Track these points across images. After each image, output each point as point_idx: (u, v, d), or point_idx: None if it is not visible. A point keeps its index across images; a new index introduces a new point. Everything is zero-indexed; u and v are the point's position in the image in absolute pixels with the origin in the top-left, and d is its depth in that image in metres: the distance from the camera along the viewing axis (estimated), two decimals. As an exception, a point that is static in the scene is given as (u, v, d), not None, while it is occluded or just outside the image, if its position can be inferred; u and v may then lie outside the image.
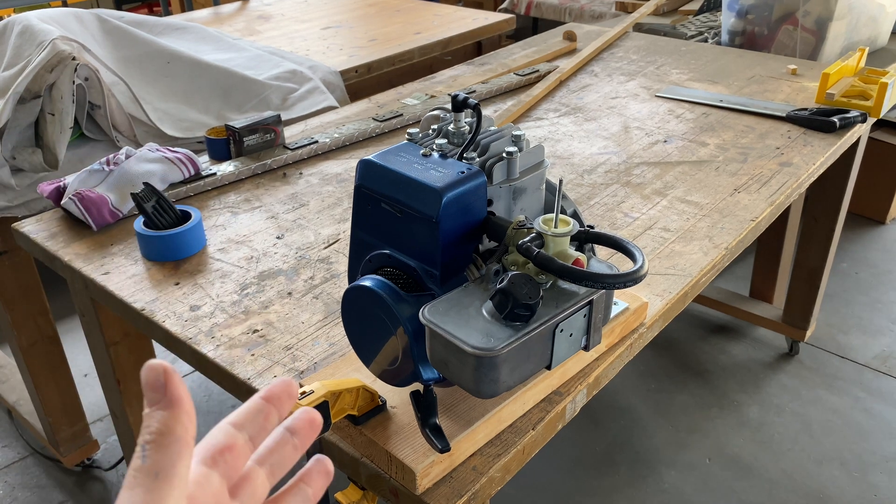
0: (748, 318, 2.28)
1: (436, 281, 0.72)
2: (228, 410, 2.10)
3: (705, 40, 2.32)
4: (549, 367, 0.68)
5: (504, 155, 0.74)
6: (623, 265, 0.90)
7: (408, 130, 0.79)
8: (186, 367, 2.22)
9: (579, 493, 1.81)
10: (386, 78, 2.20)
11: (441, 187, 0.69)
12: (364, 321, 0.76)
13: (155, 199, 1.18)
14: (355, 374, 0.88)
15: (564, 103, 1.75)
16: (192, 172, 1.37)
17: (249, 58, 2.00)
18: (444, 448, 0.73)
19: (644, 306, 1.00)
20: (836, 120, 1.55)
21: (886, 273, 2.61)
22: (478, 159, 0.74)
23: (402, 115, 1.65)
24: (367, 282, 0.74)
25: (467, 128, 0.78)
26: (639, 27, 2.39)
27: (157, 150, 1.35)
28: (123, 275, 1.14)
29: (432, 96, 1.77)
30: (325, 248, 1.20)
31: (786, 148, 1.49)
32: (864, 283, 2.56)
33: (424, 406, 0.75)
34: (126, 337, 1.34)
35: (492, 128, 0.79)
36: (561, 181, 0.66)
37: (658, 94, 1.78)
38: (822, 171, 1.47)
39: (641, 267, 0.65)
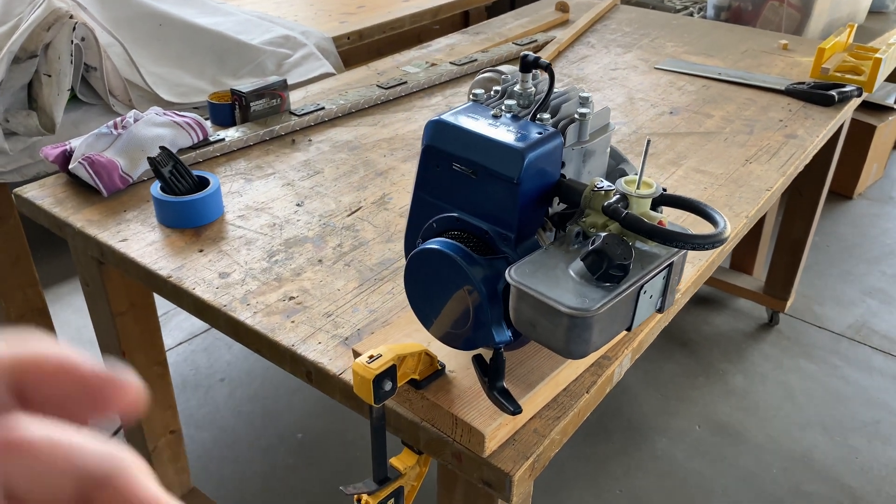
0: (730, 290, 2.34)
1: (510, 244, 0.72)
2: (217, 385, 2.07)
3: (691, 14, 2.34)
4: (629, 329, 0.68)
5: (576, 116, 0.73)
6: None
7: (473, 91, 0.77)
8: (171, 340, 2.17)
9: (574, 461, 1.84)
10: (375, 46, 2.16)
11: (523, 147, 0.68)
12: (431, 284, 0.75)
13: (172, 163, 1.14)
14: (406, 339, 0.87)
15: (566, 73, 1.75)
16: (201, 137, 1.33)
17: (238, 22, 1.94)
18: (516, 410, 0.73)
19: (680, 272, 1.01)
20: (834, 94, 1.58)
21: (856, 246, 2.70)
22: (551, 120, 0.73)
23: (406, 82, 1.62)
24: (436, 245, 0.72)
25: (534, 89, 0.77)
26: None
27: (165, 114, 1.30)
28: (142, 242, 1.10)
29: (433, 64, 1.75)
30: (349, 215, 1.18)
31: (789, 120, 1.52)
32: (836, 256, 2.64)
33: (493, 369, 0.74)
34: (132, 307, 1.31)
35: (557, 89, 0.79)
36: (649, 141, 0.66)
37: (657, 67, 1.79)
38: (824, 143, 1.51)
39: (725, 228, 0.65)
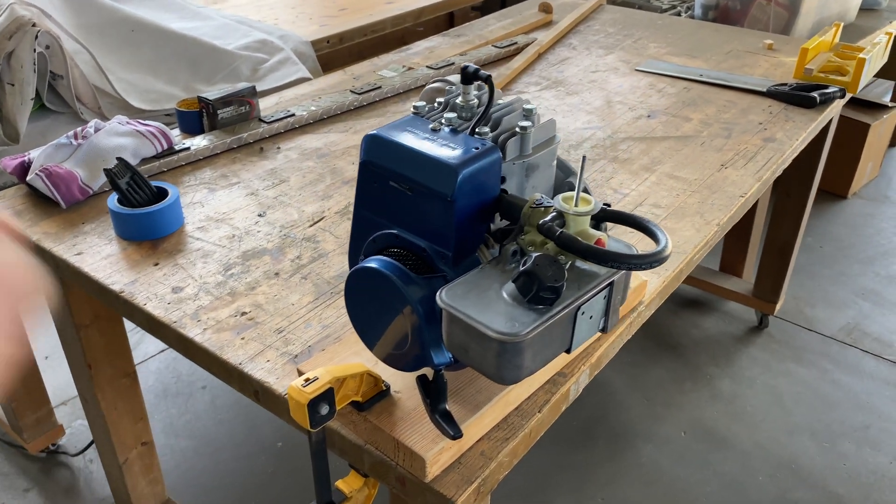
0: (718, 293, 2.30)
1: (447, 262, 0.69)
2: (198, 392, 2.05)
3: (679, 14, 2.31)
4: (568, 351, 0.66)
5: (517, 130, 0.71)
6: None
7: (414, 104, 0.75)
8: (153, 348, 2.15)
9: (557, 469, 1.82)
10: (357, 49, 2.14)
11: (456, 164, 0.65)
12: (370, 304, 0.73)
13: (129, 175, 1.12)
14: (354, 357, 0.85)
15: (545, 76, 1.72)
16: (165, 146, 1.30)
17: (216, 27, 1.92)
18: (457, 435, 0.71)
19: (643, 285, 0.99)
20: (816, 95, 1.55)
21: (849, 247, 2.66)
22: (490, 134, 0.71)
23: (380, 87, 1.60)
24: (373, 263, 0.70)
25: (476, 101, 0.75)
26: None
27: (128, 122, 1.28)
28: (98, 255, 1.08)
29: (409, 68, 1.72)
30: (311, 226, 1.16)
31: (768, 123, 1.49)
32: (828, 257, 2.60)
33: (434, 392, 0.72)
34: (97, 319, 1.28)
35: (500, 100, 0.76)
36: (584, 158, 0.64)
37: (638, 68, 1.76)
38: (804, 146, 1.48)
39: (665, 247, 0.63)
